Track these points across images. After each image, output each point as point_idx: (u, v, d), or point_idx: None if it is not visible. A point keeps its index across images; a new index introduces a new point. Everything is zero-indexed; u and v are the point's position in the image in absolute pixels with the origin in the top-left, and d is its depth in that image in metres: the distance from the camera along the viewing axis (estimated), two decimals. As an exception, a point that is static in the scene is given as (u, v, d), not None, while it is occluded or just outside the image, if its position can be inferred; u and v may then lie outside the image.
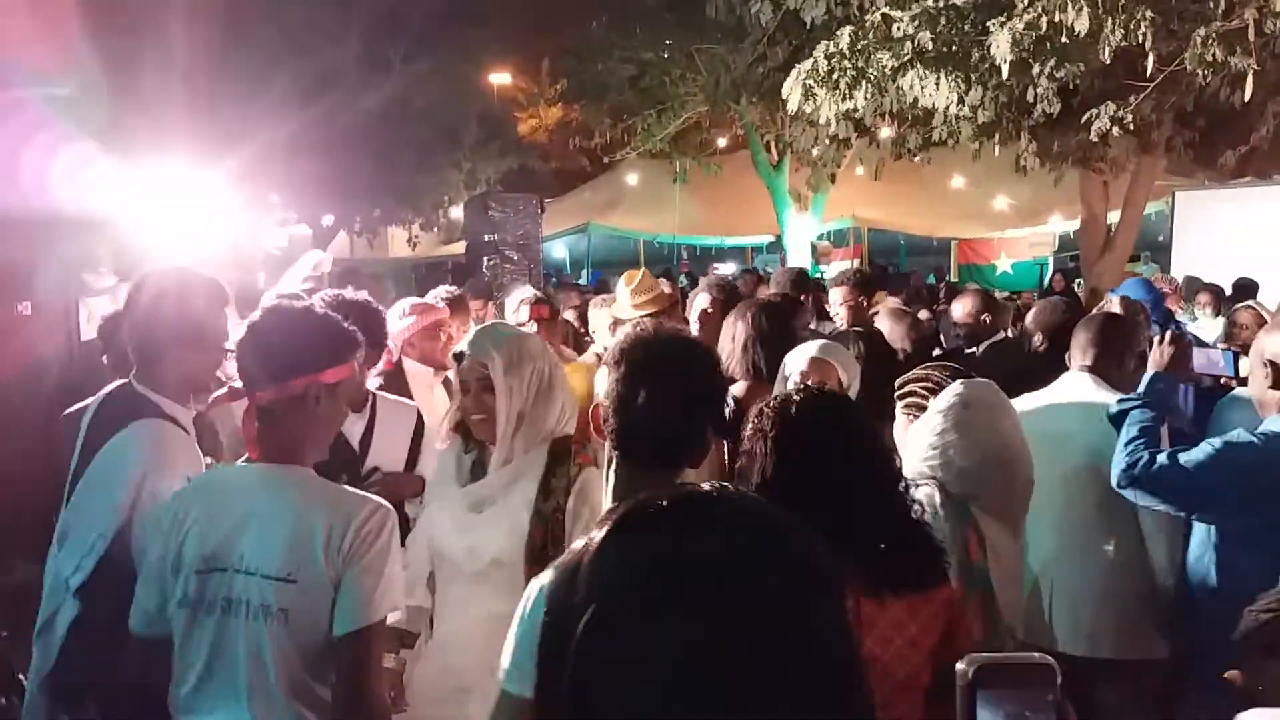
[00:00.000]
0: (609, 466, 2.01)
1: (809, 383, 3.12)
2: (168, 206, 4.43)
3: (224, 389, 2.86)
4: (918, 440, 2.50)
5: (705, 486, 0.93)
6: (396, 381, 3.89)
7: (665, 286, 5.01)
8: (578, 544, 0.97)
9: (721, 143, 15.35)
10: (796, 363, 3.17)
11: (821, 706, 0.82)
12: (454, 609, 2.43)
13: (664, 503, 0.89)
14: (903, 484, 2.02)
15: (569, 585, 1.74)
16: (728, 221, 16.07)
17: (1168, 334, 3.09)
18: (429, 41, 12.93)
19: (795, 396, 2.06)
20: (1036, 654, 1.01)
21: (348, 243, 16.61)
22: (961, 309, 5.15)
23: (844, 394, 2.71)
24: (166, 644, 2.10)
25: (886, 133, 11.51)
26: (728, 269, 17.43)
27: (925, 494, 2.31)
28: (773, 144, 13.63)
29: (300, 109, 9.95)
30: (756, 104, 12.25)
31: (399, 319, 4.04)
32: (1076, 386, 3.29)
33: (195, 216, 4.57)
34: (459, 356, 2.78)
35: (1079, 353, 3.37)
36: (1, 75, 3.93)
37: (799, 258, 13.91)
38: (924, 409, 2.63)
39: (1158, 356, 3.00)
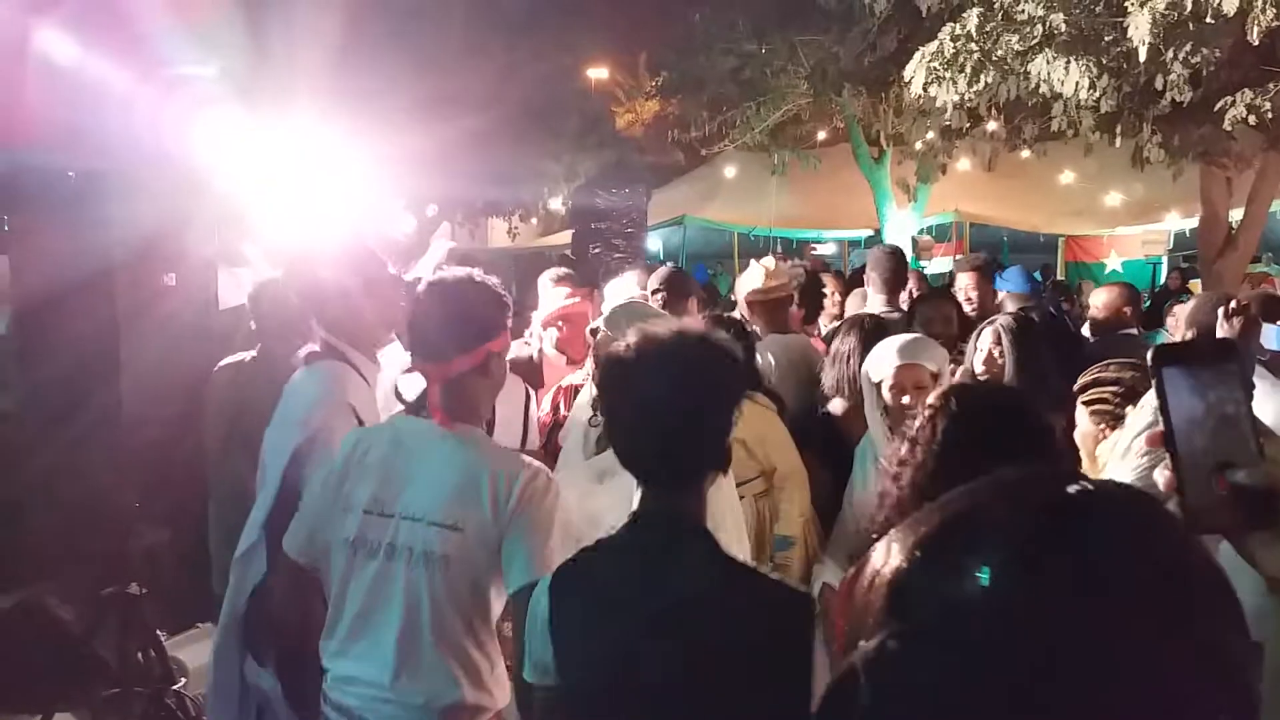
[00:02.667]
0: None
1: (903, 393, 3.01)
2: (300, 183, 4.56)
3: None
4: (1128, 454, 2.23)
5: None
6: (528, 367, 3.94)
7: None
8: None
9: (821, 135, 15.14)
10: (883, 370, 3.07)
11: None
12: None
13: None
14: None
15: (573, 582, 1.77)
16: (825, 215, 15.85)
17: None
18: (528, 33, 13.06)
19: (970, 389, 1.96)
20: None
21: (450, 232, 16.89)
22: (1101, 300, 4.99)
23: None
24: (312, 579, 2.16)
25: (993, 125, 11.20)
26: (827, 250, 17.22)
27: None
28: (879, 135, 13.38)
29: (406, 95, 10.15)
30: (861, 95, 12.04)
31: (551, 287, 4.06)
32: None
33: (327, 196, 4.69)
34: (594, 331, 2.81)
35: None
36: (151, 52, 4.07)
37: (898, 253, 13.63)
38: (1117, 417, 2.48)
39: None
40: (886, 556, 0.70)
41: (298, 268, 2.72)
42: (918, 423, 1.79)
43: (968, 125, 9.37)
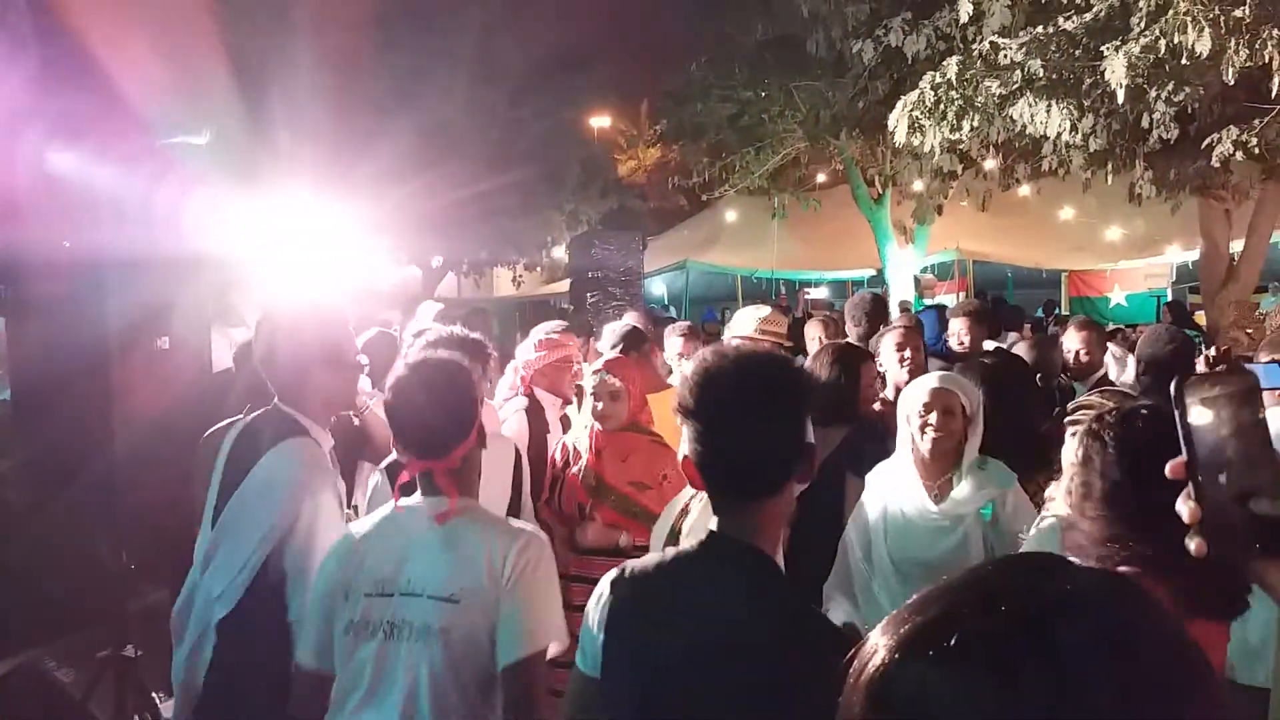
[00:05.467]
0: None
1: (933, 413, 3.04)
2: (294, 245, 4.65)
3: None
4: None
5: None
6: (535, 411, 4.12)
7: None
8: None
9: (821, 178, 15.28)
10: (918, 395, 3.09)
11: None
12: None
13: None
14: None
15: (633, 585, 1.76)
16: (827, 256, 15.95)
17: None
18: (531, 88, 13.30)
19: (1142, 410, 1.93)
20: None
21: (455, 283, 17.10)
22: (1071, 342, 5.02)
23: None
24: (328, 680, 2.16)
25: (991, 164, 11.30)
26: (819, 294, 17.28)
27: None
28: (875, 178, 13.50)
29: (410, 156, 10.34)
30: (857, 139, 12.17)
31: (531, 351, 4.21)
32: None
33: (322, 255, 4.79)
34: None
35: None
36: (143, 125, 4.19)
37: (902, 291, 13.70)
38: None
39: None
40: (872, 651, 0.69)
41: (259, 334, 2.69)
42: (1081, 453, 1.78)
43: (961, 167, 9.46)
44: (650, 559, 1.81)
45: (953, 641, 0.65)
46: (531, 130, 13.43)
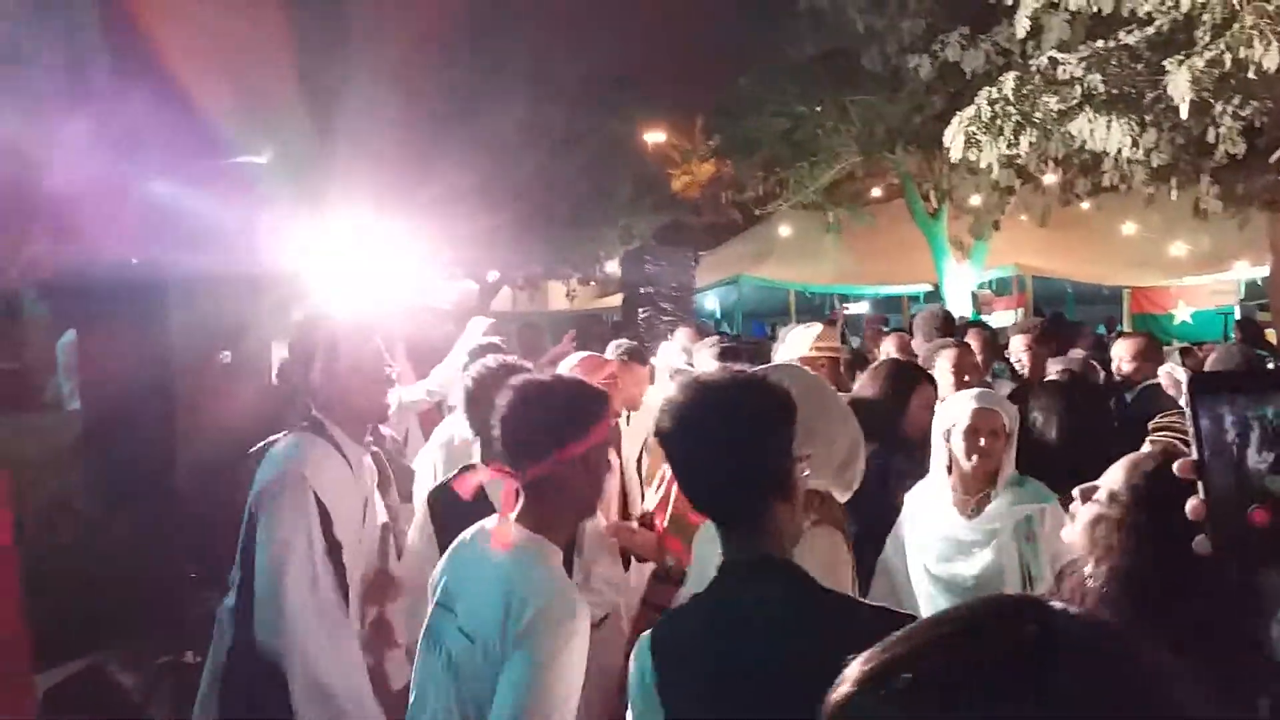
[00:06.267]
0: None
1: (979, 435, 3.01)
2: (353, 261, 4.75)
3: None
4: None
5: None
6: None
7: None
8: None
9: (876, 192, 15.17)
10: (960, 415, 3.06)
11: None
12: None
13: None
14: None
15: (671, 640, 1.72)
16: (882, 270, 15.80)
17: None
18: (585, 104, 13.42)
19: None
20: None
21: (510, 296, 17.27)
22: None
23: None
24: None
25: (1051, 179, 11.12)
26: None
27: None
28: (931, 193, 13.37)
29: (467, 171, 10.48)
30: (914, 153, 12.07)
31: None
32: None
33: (380, 270, 4.88)
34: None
35: None
36: (208, 144, 4.31)
37: (960, 307, 13.52)
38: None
39: None
40: (842, 681, 0.69)
41: (295, 345, 2.78)
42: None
43: (1020, 182, 9.32)
44: (679, 610, 1.80)
45: (909, 679, 0.64)
46: (585, 145, 13.52)
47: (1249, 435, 0.91)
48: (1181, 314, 14.82)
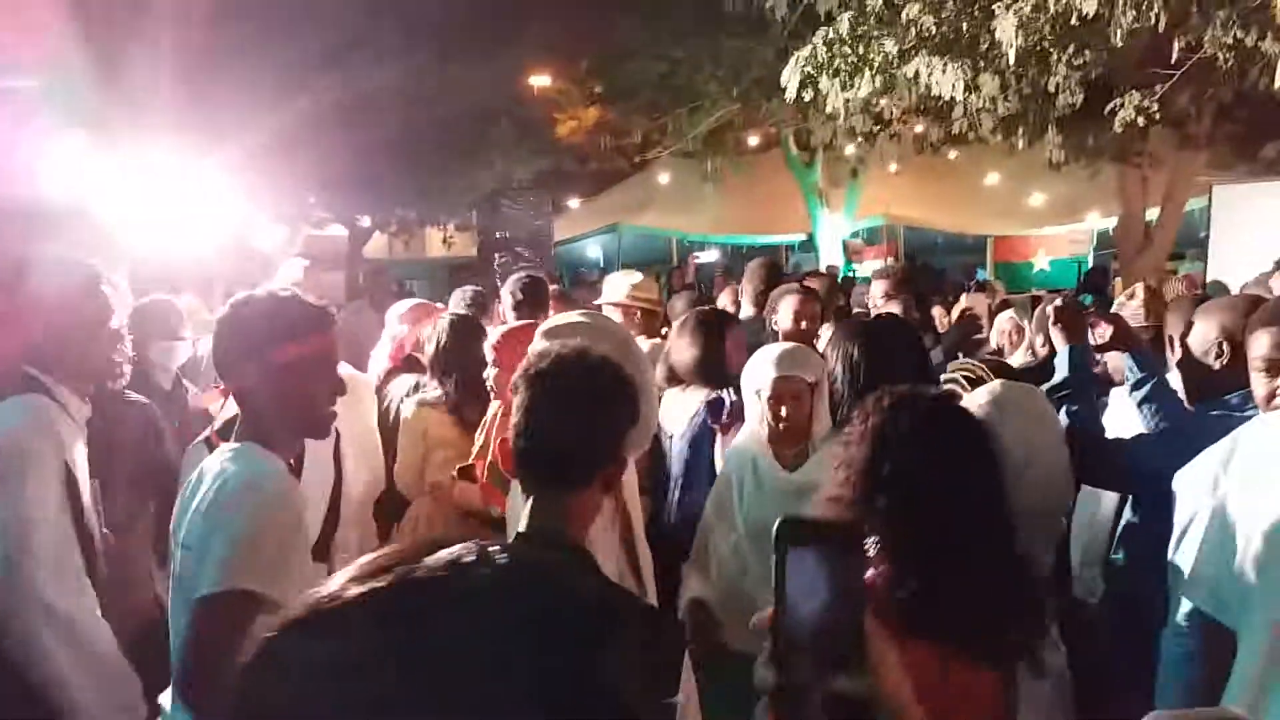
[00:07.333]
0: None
1: (781, 402, 3.02)
2: (156, 198, 4.47)
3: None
4: None
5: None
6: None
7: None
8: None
9: (754, 141, 15.21)
10: (761, 380, 3.07)
11: None
12: None
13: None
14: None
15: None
16: (760, 220, 15.92)
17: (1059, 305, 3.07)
18: (457, 43, 12.95)
19: (910, 402, 1.92)
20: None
21: (386, 244, 16.74)
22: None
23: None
24: None
25: (919, 128, 11.29)
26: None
27: None
28: (806, 141, 13.48)
29: (327, 112, 10.01)
30: (786, 101, 12.07)
31: (396, 324, 4.18)
32: None
33: (186, 211, 4.61)
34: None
35: None
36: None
37: (831, 256, 13.75)
38: (958, 398, 2.51)
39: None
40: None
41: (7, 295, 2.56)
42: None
43: (877, 129, 9.42)
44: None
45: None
46: (458, 87, 13.10)
47: (831, 597, 0.85)
48: (1040, 262, 15.39)
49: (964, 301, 5.10)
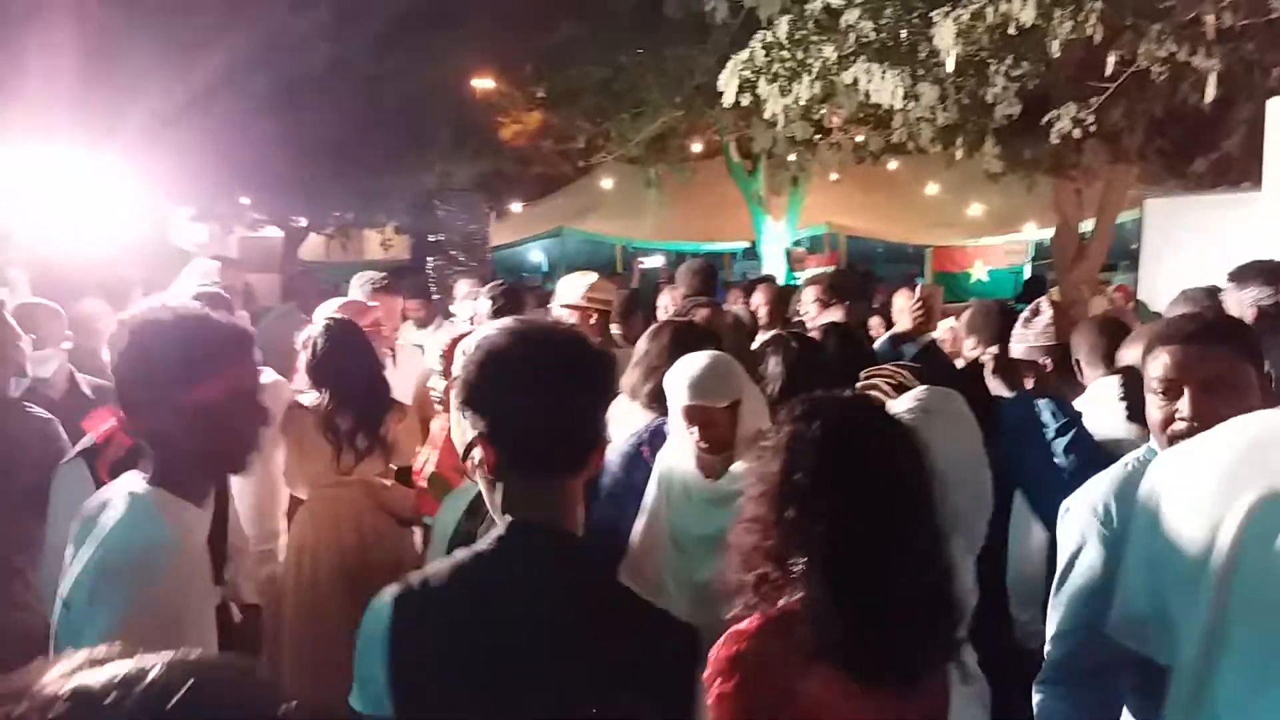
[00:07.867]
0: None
1: (693, 424, 2.93)
2: (55, 193, 4.24)
3: None
4: None
5: None
6: None
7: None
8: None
9: (697, 147, 15.17)
10: (677, 399, 2.95)
11: None
12: None
13: None
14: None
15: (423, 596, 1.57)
16: (704, 227, 15.89)
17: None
18: (396, 42, 12.69)
19: (824, 407, 1.84)
20: None
21: (323, 246, 16.37)
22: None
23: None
24: None
25: (860, 138, 11.33)
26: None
27: None
28: (749, 149, 13.47)
29: (256, 109, 9.69)
30: (727, 108, 12.04)
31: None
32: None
33: (91, 207, 4.38)
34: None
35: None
36: None
37: (773, 264, 13.75)
38: (880, 402, 2.47)
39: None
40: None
41: None
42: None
43: (816, 136, 9.41)
44: (442, 566, 1.58)
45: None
46: (397, 87, 12.85)
47: None
48: (978, 272, 15.58)
49: (919, 291, 5.07)
